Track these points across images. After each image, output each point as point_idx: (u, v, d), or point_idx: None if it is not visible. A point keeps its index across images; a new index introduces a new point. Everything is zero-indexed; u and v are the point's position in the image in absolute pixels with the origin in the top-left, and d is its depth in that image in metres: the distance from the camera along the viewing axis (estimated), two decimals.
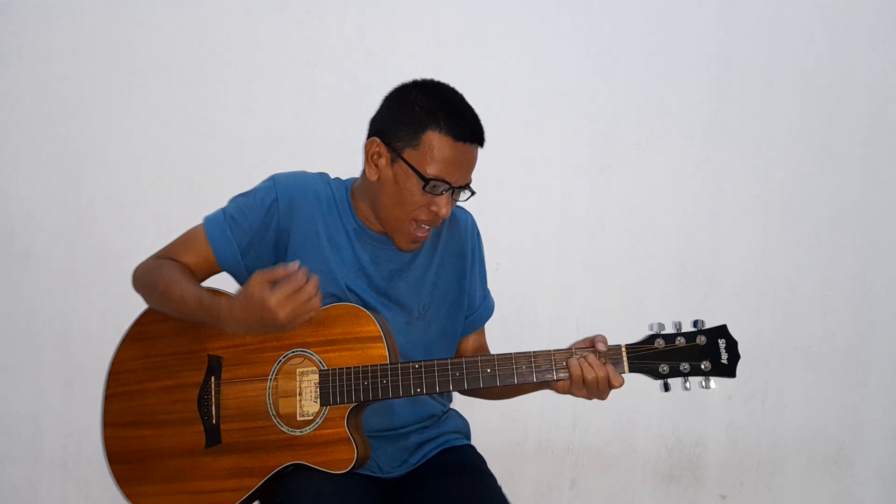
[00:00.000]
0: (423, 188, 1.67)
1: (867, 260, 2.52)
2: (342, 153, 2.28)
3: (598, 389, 1.63)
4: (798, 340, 2.54)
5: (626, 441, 2.55)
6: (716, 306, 2.50)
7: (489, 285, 2.01)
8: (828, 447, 2.57)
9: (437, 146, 1.66)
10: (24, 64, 2.37)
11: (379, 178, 1.73)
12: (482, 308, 1.96)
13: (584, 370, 1.62)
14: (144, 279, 1.79)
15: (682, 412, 2.54)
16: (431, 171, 1.67)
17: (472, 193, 1.77)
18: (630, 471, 2.56)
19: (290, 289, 1.61)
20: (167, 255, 1.81)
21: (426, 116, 1.67)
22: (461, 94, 1.75)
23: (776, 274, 2.52)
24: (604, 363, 1.62)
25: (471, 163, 1.72)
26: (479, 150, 1.74)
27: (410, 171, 1.68)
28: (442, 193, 1.69)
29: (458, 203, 1.79)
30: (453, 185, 1.69)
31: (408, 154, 1.68)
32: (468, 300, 1.91)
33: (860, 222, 2.51)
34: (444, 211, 1.70)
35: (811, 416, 2.56)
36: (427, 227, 1.75)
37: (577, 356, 1.63)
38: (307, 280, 1.62)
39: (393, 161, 1.70)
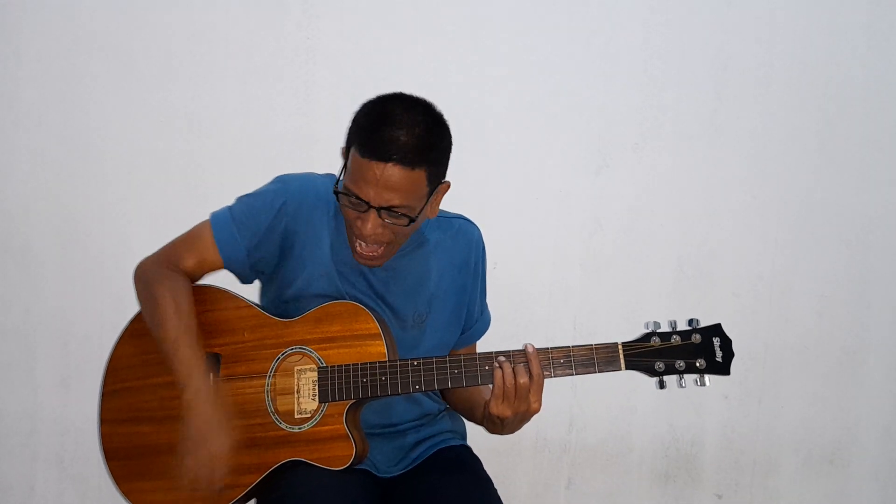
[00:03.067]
0: (337, 197, 1.65)
1: (863, 260, 2.53)
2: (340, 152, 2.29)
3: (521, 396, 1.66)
4: (794, 340, 2.55)
5: (623, 440, 2.55)
6: (712, 306, 2.50)
7: (487, 287, 1.98)
8: (823, 447, 2.58)
9: (352, 160, 1.62)
10: (22, 62, 2.36)
11: None
12: (479, 323, 1.94)
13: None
14: (150, 289, 1.75)
15: (679, 412, 2.54)
16: (344, 181, 1.64)
17: (410, 219, 1.64)
18: (626, 470, 2.56)
19: (221, 476, 1.64)
20: (172, 254, 1.79)
21: (353, 132, 1.65)
22: (401, 109, 1.62)
23: (772, 274, 2.53)
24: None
25: (378, 181, 1.58)
26: (417, 171, 1.60)
27: None
28: (353, 208, 1.63)
29: (392, 226, 1.64)
30: (365, 200, 1.60)
31: (346, 167, 1.67)
32: (466, 314, 1.89)
33: (857, 223, 2.52)
34: (362, 226, 1.63)
35: (807, 415, 2.57)
36: (365, 244, 1.68)
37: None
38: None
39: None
